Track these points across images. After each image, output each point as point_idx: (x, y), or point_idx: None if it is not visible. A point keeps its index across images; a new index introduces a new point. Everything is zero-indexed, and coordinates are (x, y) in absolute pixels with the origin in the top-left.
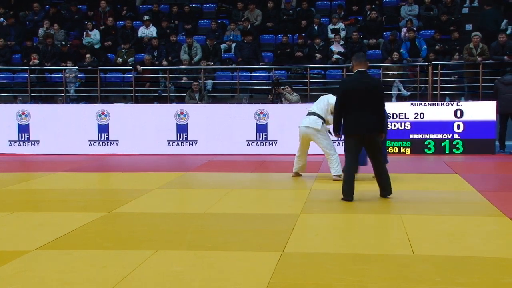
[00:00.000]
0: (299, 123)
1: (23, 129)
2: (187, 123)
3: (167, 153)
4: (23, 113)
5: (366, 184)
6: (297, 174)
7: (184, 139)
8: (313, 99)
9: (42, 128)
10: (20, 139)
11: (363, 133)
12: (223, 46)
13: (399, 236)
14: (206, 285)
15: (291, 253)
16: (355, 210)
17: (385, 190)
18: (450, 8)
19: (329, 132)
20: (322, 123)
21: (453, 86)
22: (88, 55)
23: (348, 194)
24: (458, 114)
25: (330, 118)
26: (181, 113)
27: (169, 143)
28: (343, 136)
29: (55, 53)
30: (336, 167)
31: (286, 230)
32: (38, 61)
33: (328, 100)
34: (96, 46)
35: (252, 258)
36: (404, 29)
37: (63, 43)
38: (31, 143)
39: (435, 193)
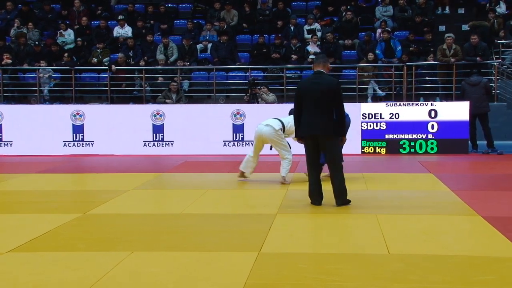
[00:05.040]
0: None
1: None
2: (163, 124)
3: (143, 153)
4: None
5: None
6: (243, 174)
7: (160, 139)
8: (289, 99)
9: (15, 129)
10: None
11: (315, 134)
12: (199, 46)
13: (375, 236)
14: (182, 286)
15: (267, 253)
16: (331, 210)
17: (338, 198)
18: (424, 9)
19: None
20: (281, 129)
21: (427, 87)
22: (66, 54)
23: (313, 198)
24: (433, 114)
25: (287, 129)
26: (157, 114)
27: (145, 143)
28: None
29: (29, 53)
30: (286, 168)
31: (262, 230)
32: (11, 61)
33: (289, 122)
34: (70, 46)
35: (229, 258)
36: (379, 30)
37: (37, 42)
38: (4, 144)
39: (409, 192)
